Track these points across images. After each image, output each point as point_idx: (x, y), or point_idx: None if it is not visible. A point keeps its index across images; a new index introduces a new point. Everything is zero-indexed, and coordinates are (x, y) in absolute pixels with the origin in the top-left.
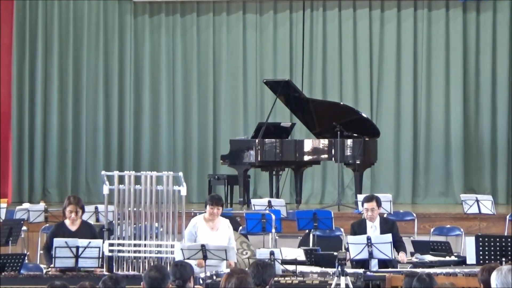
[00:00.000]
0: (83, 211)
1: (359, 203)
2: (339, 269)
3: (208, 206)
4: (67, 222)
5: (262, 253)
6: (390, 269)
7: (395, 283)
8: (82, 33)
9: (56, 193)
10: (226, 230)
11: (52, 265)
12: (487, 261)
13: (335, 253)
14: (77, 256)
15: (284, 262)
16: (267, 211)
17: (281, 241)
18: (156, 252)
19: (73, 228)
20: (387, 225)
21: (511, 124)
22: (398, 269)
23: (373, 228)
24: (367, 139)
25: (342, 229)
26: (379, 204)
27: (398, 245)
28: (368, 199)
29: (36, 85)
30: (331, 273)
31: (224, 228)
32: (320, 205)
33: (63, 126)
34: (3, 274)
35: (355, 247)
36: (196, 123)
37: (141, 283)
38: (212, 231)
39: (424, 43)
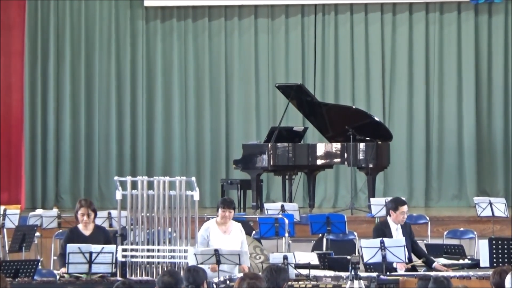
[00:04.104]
0: (96, 214)
1: (373, 207)
2: (353, 273)
3: (220, 209)
4: (80, 226)
5: (276, 258)
6: (403, 273)
7: (409, 286)
8: (94, 39)
9: (69, 199)
10: (239, 234)
11: (64, 270)
12: (500, 264)
13: (349, 257)
14: (90, 262)
15: (298, 266)
16: (280, 216)
17: (294, 245)
18: (169, 257)
19: (87, 232)
20: (405, 228)
21: None
22: (411, 273)
23: (398, 230)
24: (379, 142)
25: (355, 233)
26: None
27: (420, 249)
28: (403, 202)
29: (48, 90)
30: (344, 277)
31: (236, 232)
32: (333, 209)
33: (76, 132)
34: (16, 280)
35: (368, 250)
36: (208, 128)
37: None
38: (225, 234)
39: (436, 46)
